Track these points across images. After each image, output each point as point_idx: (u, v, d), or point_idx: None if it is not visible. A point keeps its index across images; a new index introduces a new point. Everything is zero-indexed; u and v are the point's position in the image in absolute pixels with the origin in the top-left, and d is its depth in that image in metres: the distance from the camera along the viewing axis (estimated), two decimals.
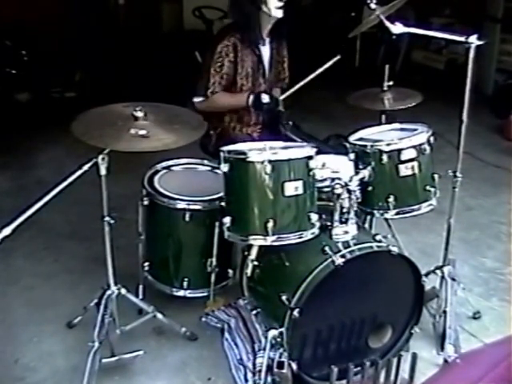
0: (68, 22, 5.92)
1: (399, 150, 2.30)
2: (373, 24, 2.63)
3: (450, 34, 2.43)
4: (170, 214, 2.52)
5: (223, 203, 2.24)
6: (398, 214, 2.35)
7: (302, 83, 2.94)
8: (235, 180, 2.16)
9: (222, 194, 2.26)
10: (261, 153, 2.07)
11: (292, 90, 2.96)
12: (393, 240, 2.68)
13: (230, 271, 2.65)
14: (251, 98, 2.72)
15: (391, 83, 2.84)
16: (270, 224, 2.06)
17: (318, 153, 2.17)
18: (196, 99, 2.80)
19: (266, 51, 2.85)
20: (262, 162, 2.05)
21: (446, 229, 2.60)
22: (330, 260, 2.11)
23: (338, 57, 2.91)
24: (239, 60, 2.74)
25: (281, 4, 2.66)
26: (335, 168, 2.27)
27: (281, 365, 2.13)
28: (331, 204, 2.24)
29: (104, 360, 2.22)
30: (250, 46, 2.77)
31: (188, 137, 2.10)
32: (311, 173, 2.13)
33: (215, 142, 2.84)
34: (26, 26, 5.55)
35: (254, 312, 2.40)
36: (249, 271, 2.38)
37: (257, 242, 2.15)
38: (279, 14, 2.70)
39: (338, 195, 2.20)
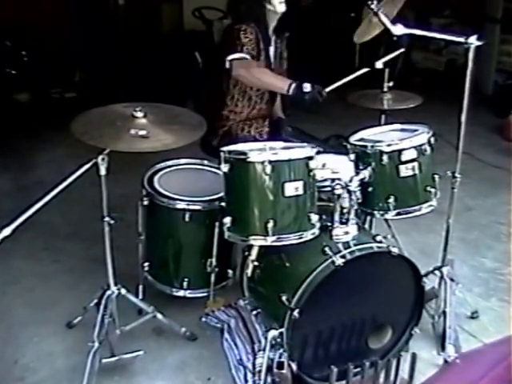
0: (68, 22, 5.93)
1: (400, 151, 2.30)
2: (380, 29, 2.61)
3: (450, 35, 2.44)
4: (170, 214, 2.52)
5: (223, 203, 2.24)
6: (398, 214, 2.35)
7: (336, 84, 2.76)
8: (235, 180, 2.16)
9: (222, 195, 2.27)
10: (261, 153, 2.07)
11: (337, 85, 2.76)
12: (392, 240, 2.68)
13: (230, 271, 2.65)
14: (293, 86, 2.58)
15: (391, 84, 2.85)
16: (270, 224, 2.06)
17: (318, 153, 2.17)
18: (236, 55, 2.60)
19: (271, 49, 2.85)
20: (263, 163, 2.05)
21: (445, 229, 2.60)
22: (330, 260, 2.11)
23: (367, 69, 2.81)
24: (260, 46, 2.71)
25: None
26: (335, 168, 2.27)
27: (280, 365, 2.13)
28: (331, 204, 2.24)
29: (104, 360, 2.23)
30: (263, 41, 2.75)
31: (188, 137, 2.10)
32: (311, 173, 2.13)
33: (220, 139, 2.82)
34: (26, 26, 5.55)
35: (254, 312, 2.39)
36: (249, 271, 2.38)
37: (257, 242, 2.15)
38: (283, 7, 2.71)
39: (339, 196, 2.20)
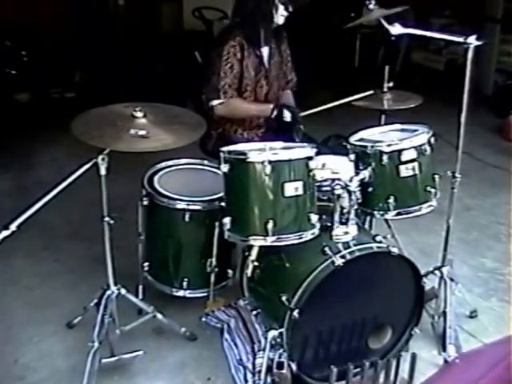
0: (68, 22, 5.93)
1: (400, 151, 2.30)
2: (371, 20, 2.64)
3: (449, 35, 2.44)
4: (170, 215, 2.52)
5: (223, 203, 2.24)
6: (398, 214, 2.35)
7: (326, 106, 2.88)
8: (235, 180, 2.16)
9: (221, 195, 2.27)
10: (261, 153, 2.08)
11: (314, 111, 2.88)
12: (392, 240, 2.68)
13: (230, 271, 2.65)
14: (275, 112, 2.68)
15: (391, 84, 2.85)
16: (270, 224, 2.06)
17: (318, 153, 2.17)
18: (215, 102, 2.72)
19: (265, 51, 2.85)
20: (262, 163, 2.05)
21: (445, 229, 2.60)
22: (330, 261, 2.11)
23: (372, 91, 2.87)
24: (245, 59, 2.74)
25: (286, 13, 2.73)
26: (335, 169, 2.27)
27: (280, 365, 2.13)
28: (331, 204, 2.24)
29: (104, 360, 2.23)
30: (253, 47, 2.77)
31: (187, 137, 2.11)
32: (311, 173, 2.13)
33: (215, 142, 2.83)
34: (26, 26, 5.54)
35: (254, 312, 2.40)
36: (249, 272, 2.38)
37: (257, 242, 2.15)
38: (281, 20, 2.77)
39: (338, 196, 2.21)
